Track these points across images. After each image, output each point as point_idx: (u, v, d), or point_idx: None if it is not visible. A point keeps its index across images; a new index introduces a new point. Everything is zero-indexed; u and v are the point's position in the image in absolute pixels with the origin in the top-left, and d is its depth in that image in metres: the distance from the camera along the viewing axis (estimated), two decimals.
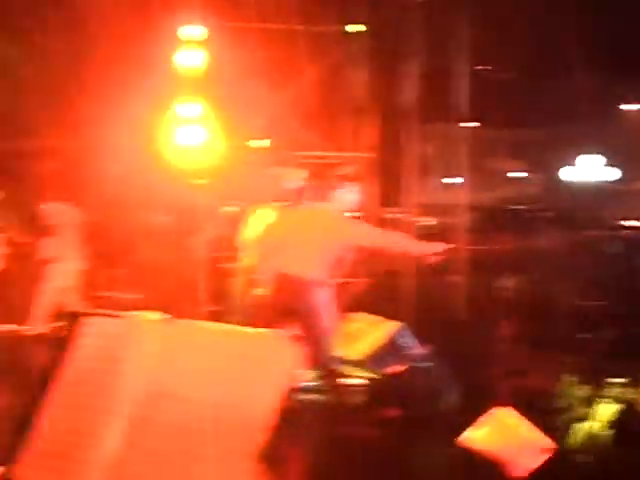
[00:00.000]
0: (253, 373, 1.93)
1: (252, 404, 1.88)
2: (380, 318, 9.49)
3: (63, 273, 10.88)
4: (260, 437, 1.83)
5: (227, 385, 1.92)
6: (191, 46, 11.74)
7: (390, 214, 16.16)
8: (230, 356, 1.97)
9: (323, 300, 7.16)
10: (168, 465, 1.88)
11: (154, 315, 2.08)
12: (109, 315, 2.17)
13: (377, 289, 12.65)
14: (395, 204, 15.48)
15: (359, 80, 13.57)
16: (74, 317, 2.19)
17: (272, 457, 1.85)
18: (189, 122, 11.33)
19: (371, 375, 8.41)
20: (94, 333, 2.13)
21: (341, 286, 12.36)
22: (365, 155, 13.33)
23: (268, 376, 1.91)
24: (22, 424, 2.07)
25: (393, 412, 6.76)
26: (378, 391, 6.94)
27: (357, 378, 8.42)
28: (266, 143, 13.30)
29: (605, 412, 6.35)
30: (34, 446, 2.03)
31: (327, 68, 13.01)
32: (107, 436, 1.96)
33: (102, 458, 1.95)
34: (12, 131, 12.44)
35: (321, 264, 7.22)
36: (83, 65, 12.27)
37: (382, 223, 14.01)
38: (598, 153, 29.42)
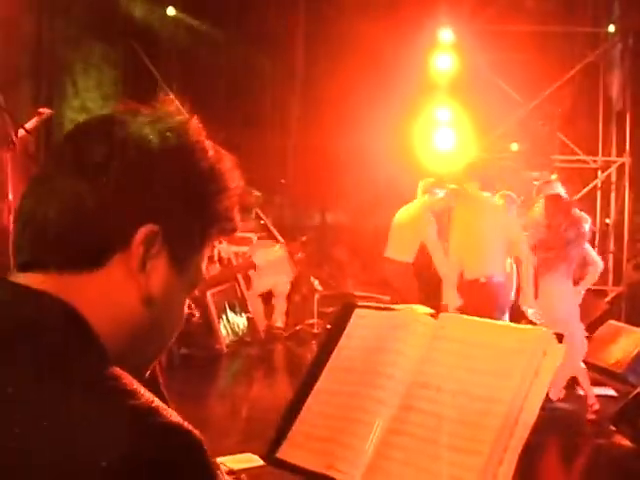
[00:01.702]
0: (516, 369, 1.96)
1: (513, 400, 1.91)
2: (633, 327, 9.19)
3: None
4: (520, 434, 1.86)
5: (486, 378, 1.96)
6: (442, 49, 11.83)
7: None
8: (493, 349, 2.01)
9: (575, 306, 7.11)
10: (424, 452, 1.95)
11: (423, 308, 2.16)
12: (380, 308, 2.27)
13: (630, 297, 12.23)
14: None
15: (615, 82, 13.14)
16: (346, 308, 2.30)
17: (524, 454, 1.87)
18: (442, 126, 11.41)
19: (626, 386, 8.16)
20: (365, 325, 2.23)
21: (594, 293, 12.09)
22: (620, 160, 12.91)
23: (532, 374, 1.94)
24: (291, 409, 2.20)
25: None
26: (634, 402, 6.70)
27: (609, 388, 8.20)
28: (515, 147, 13.14)
29: None
30: (302, 430, 2.15)
31: (581, 70, 12.68)
32: (374, 423, 2.05)
33: (368, 444, 2.04)
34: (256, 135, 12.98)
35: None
36: (340, 69, 12.61)
37: (636, 230, 13.54)
38: None
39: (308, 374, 2.27)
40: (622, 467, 6.20)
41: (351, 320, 2.26)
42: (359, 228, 12.61)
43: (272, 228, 11.61)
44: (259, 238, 11.63)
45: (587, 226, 7.89)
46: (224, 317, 10.36)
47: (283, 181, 13.57)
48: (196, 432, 1.11)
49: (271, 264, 11.10)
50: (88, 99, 12.58)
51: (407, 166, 11.31)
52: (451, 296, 7.64)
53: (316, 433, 2.15)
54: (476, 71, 12.55)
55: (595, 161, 13.14)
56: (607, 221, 13.66)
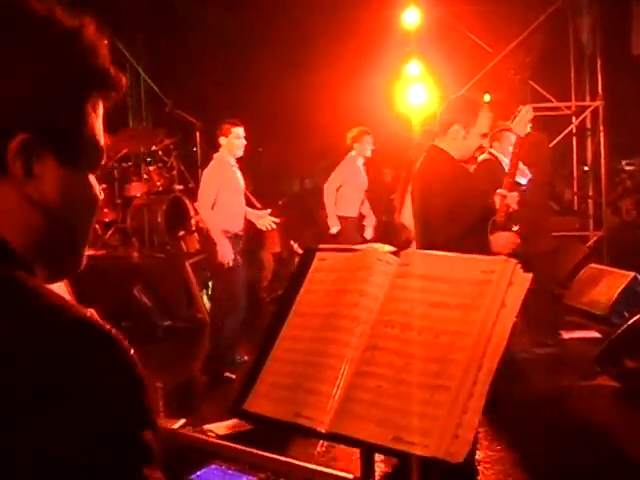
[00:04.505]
0: (482, 301, 1.90)
1: (480, 332, 1.86)
2: (614, 269, 9.20)
3: None
4: (488, 366, 1.81)
5: (452, 312, 1.91)
6: (409, 4, 11.69)
7: (623, 166, 15.55)
8: (457, 282, 1.95)
9: None
10: (392, 392, 1.89)
11: (384, 247, 2.09)
12: (341, 249, 2.20)
13: (610, 241, 12.24)
14: (628, 155, 14.89)
15: (584, 26, 13.04)
16: (308, 253, 2.24)
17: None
18: (413, 80, 11.31)
19: (610, 329, 8.18)
20: (326, 267, 2.17)
21: (575, 238, 12.09)
22: (594, 104, 12.85)
23: (498, 304, 1.88)
24: (256, 359, 2.14)
25: (633, 363, 6.53)
26: (617, 342, 6.71)
27: (593, 331, 8.23)
28: (487, 97, 13.03)
29: None
30: (267, 379, 2.09)
31: (549, 16, 12.58)
32: (340, 367, 1.99)
33: (335, 388, 1.98)
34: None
35: None
36: (313, 33, 12.48)
37: (614, 174, 13.53)
38: None
39: (273, 322, 2.21)
40: (607, 407, 6.22)
41: (313, 264, 2.20)
42: None
43: (248, 194, 11.55)
44: None
45: None
46: (206, 287, 10.32)
47: (260, 149, 13.51)
48: (106, 327, 1.07)
49: None
50: None
51: (387, 124, 11.24)
52: None
53: (282, 381, 2.10)
54: (444, 24, 12.44)
55: (569, 107, 13.08)
56: (585, 168, 13.65)
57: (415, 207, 4.71)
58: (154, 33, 13.86)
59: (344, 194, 9.91)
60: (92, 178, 1.22)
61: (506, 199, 4.77)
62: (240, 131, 7.72)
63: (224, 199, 7.62)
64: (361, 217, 10.08)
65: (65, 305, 1.06)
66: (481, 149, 4.60)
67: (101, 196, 1.26)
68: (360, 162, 9.96)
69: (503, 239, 4.56)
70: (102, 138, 1.23)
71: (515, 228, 4.77)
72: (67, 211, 1.17)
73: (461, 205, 4.38)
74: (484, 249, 4.33)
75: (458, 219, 4.34)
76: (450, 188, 4.39)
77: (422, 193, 4.57)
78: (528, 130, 5.59)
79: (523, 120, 5.18)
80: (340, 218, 9.80)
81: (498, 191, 4.80)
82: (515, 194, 4.88)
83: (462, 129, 4.54)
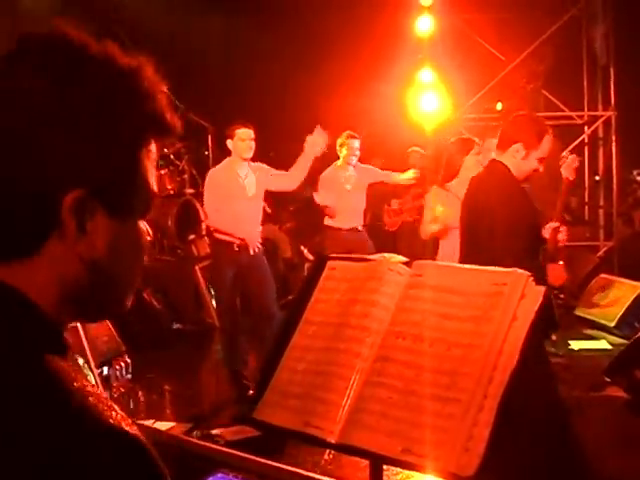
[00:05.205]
0: (494, 313, 1.89)
1: (490, 345, 1.85)
2: (625, 280, 9.17)
3: None
4: (499, 379, 1.80)
5: (464, 325, 1.90)
6: (422, 11, 11.70)
7: (635, 176, 15.52)
8: (469, 295, 1.95)
9: None
10: (402, 403, 1.89)
11: (397, 257, 2.08)
12: (353, 259, 2.20)
13: (621, 252, 12.20)
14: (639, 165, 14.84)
15: (598, 36, 13.01)
16: (319, 260, 2.23)
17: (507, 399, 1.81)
18: (426, 88, 11.31)
19: (620, 340, 8.15)
20: (337, 277, 2.17)
21: (586, 248, 12.06)
22: (606, 114, 12.83)
23: (510, 317, 1.87)
24: (266, 367, 2.14)
25: None
26: (628, 354, 6.69)
27: (604, 342, 8.21)
28: (500, 106, 13.03)
29: None
30: (277, 388, 2.09)
31: (563, 25, 12.55)
32: (351, 377, 1.99)
33: (345, 399, 1.98)
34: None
35: None
36: (324, 38, 12.49)
37: (625, 184, 13.50)
38: None
39: (283, 331, 2.20)
40: (616, 419, 6.19)
41: (323, 273, 2.19)
42: None
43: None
44: None
45: None
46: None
47: (272, 154, 13.51)
48: (135, 433, 1.00)
49: None
50: None
51: (399, 131, 11.24)
52: None
53: (292, 390, 2.09)
54: (457, 32, 12.44)
55: (581, 116, 13.06)
56: (596, 178, 13.62)
57: (467, 218, 4.66)
58: (165, 36, 13.88)
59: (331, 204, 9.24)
60: (141, 223, 1.18)
61: (558, 233, 4.82)
62: (244, 133, 7.51)
63: (220, 204, 7.46)
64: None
65: (90, 405, 0.99)
66: (536, 172, 4.58)
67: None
68: (347, 171, 9.26)
69: (557, 272, 4.57)
70: (154, 183, 1.18)
71: (561, 262, 4.82)
72: (113, 262, 1.13)
73: (521, 223, 4.36)
74: (540, 274, 4.28)
75: (519, 235, 4.30)
76: (513, 203, 4.37)
77: (480, 205, 4.50)
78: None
79: (570, 166, 5.21)
80: (328, 228, 9.23)
81: (550, 224, 4.84)
82: (564, 229, 4.94)
83: (523, 149, 4.49)
